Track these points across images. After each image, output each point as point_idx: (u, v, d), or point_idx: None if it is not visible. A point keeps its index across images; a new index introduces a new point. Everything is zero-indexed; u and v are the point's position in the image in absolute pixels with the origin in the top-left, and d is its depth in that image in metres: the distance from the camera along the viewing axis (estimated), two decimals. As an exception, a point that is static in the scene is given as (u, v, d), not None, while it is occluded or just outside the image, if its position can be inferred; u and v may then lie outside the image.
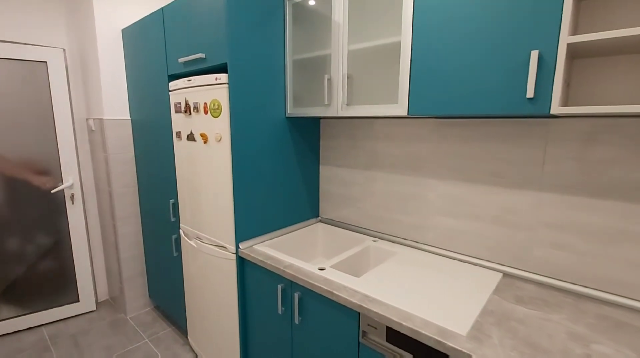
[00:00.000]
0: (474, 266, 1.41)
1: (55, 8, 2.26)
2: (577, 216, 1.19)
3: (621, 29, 1.01)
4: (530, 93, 0.96)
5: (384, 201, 1.71)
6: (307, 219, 1.94)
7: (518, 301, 1.14)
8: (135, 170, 2.39)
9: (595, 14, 1.08)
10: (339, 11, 1.40)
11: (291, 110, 1.68)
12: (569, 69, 1.10)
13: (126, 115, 2.30)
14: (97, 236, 2.61)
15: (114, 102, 2.24)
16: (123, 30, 2.20)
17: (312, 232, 1.87)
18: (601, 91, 1.11)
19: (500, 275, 1.33)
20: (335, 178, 1.91)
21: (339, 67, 1.43)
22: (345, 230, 1.85)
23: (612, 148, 1.10)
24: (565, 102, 1.11)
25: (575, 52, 1.06)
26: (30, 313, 2.33)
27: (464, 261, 1.45)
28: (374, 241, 1.67)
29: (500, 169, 1.33)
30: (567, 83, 1.07)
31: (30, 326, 2.33)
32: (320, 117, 1.88)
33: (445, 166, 1.48)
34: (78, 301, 2.50)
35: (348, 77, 1.42)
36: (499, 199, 1.35)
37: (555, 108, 0.94)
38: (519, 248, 1.32)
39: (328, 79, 1.46)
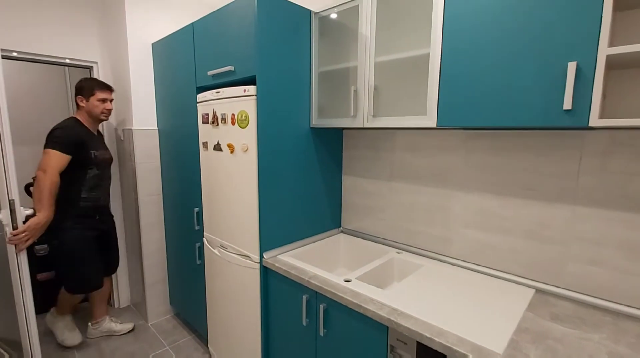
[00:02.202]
0: (505, 281, 1.37)
1: (88, 24, 2.38)
2: (615, 231, 1.15)
3: (661, 40, 0.99)
4: (567, 105, 0.95)
5: (408, 212, 1.69)
6: (329, 229, 1.94)
7: (554, 319, 1.10)
8: (160, 179, 2.45)
9: (631, 25, 1.06)
10: (366, 24, 1.41)
11: (316, 121, 1.70)
12: (606, 81, 1.07)
13: (154, 125, 2.38)
14: (120, 240, 2.66)
15: (143, 113, 2.31)
16: (153, 44, 2.28)
17: (335, 243, 1.86)
18: (638, 103, 1.08)
19: (533, 291, 1.29)
20: (357, 189, 1.91)
21: (365, 79, 1.44)
22: (368, 241, 1.83)
23: (652, 161, 1.07)
24: (602, 114, 1.08)
25: (612, 64, 1.04)
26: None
27: (493, 276, 1.41)
28: (398, 253, 1.65)
29: (532, 182, 1.30)
30: (603, 95, 1.05)
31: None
32: (343, 129, 1.89)
33: (473, 177, 1.46)
34: None
35: (374, 89, 1.43)
36: (531, 212, 1.32)
37: (595, 121, 0.93)
38: (553, 263, 1.28)
39: (354, 91, 1.48)
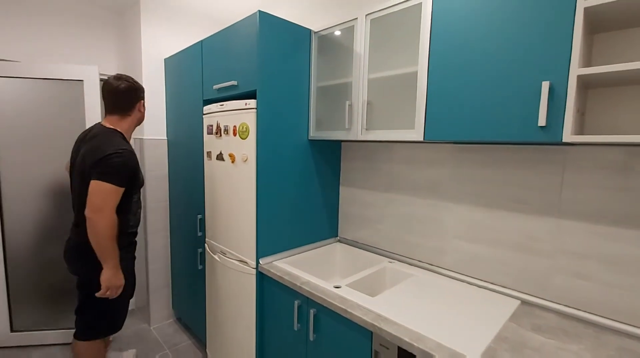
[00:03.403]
0: (492, 292, 1.39)
1: (107, 40, 2.55)
2: (599, 244, 1.17)
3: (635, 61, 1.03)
4: (542, 122, 1.00)
5: (402, 223, 1.73)
6: (326, 238, 1.99)
7: (535, 330, 1.12)
8: (167, 187, 2.55)
9: (610, 47, 1.11)
10: (361, 43, 1.50)
11: (314, 133, 1.78)
12: (584, 99, 1.12)
13: (163, 136, 2.50)
14: (129, 247, 2.77)
15: (154, 123, 2.44)
16: (165, 60, 2.43)
17: (331, 251, 1.91)
18: (618, 120, 1.12)
19: (519, 302, 1.31)
20: (355, 199, 1.96)
21: (359, 94, 1.52)
22: (363, 251, 1.88)
23: (632, 176, 1.10)
24: (580, 131, 1.12)
25: (589, 83, 1.09)
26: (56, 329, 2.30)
27: (481, 287, 1.43)
28: (391, 262, 1.69)
29: (519, 195, 1.34)
30: (581, 112, 1.09)
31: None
32: (341, 141, 1.96)
33: (464, 190, 1.50)
34: None
35: (368, 104, 1.50)
36: (518, 225, 1.35)
37: (568, 136, 0.97)
38: (540, 275, 1.30)
39: (349, 105, 1.55)
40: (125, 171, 1.50)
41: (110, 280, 1.52)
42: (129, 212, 1.64)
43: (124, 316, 1.78)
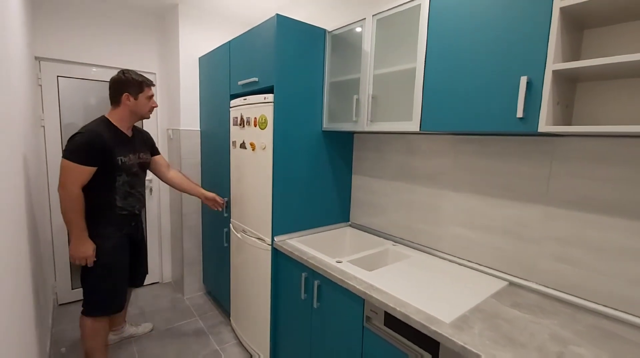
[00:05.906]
0: (482, 273, 1.49)
1: (150, 42, 2.86)
2: (582, 231, 1.23)
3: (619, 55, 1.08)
4: (520, 113, 1.09)
5: (407, 210, 1.85)
6: (338, 222, 2.15)
7: (514, 306, 1.22)
8: (200, 172, 2.84)
9: (599, 41, 1.17)
10: (368, 42, 1.63)
11: (326, 125, 1.94)
12: (570, 92, 1.19)
13: (197, 127, 2.78)
14: (167, 226, 3.11)
15: (189, 116, 2.72)
16: (200, 58, 2.69)
17: (341, 234, 2.07)
18: (607, 112, 1.17)
19: (506, 283, 1.40)
20: (365, 187, 2.10)
21: (366, 89, 1.65)
22: (371, 235, 2.02)
23: (615, 166, 1.15)
24: (566, 122, 1.19)
25: (576, 77, 1.15)
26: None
27: (473, 269, 1.53)
28: (394, 245, 1.82)
29: (510, 184, 1.42)
30: (564, 104, 1.16)
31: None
32: (352, 132, 2.11)
33: (461, 179, 1.59)
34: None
35: (373, 98, 1.63)
36: (509, 212, 1.43)
37: (542, 127, 1.06)
38: (527, 259, 1.38)
39: (357, 99, 1.69)
40: (86, 149, 1.58)
41: (73, 249, 1.64)
42: (114, 193, 1.74)
43: (119, 296, 1.82)
